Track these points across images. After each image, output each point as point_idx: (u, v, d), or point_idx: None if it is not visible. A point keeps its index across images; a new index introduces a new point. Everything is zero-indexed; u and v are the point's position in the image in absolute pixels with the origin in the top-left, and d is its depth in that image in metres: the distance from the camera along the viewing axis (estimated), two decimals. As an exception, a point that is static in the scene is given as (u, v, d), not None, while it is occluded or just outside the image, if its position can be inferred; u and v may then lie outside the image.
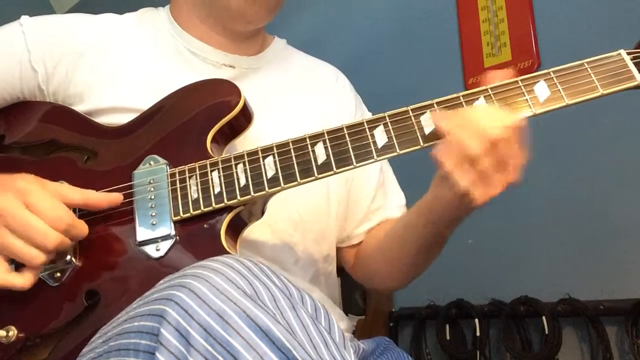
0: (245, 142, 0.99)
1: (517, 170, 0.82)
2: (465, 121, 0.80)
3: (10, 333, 0.84)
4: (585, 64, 0.85)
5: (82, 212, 0.90)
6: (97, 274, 0.87)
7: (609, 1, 1.83)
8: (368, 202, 1.18)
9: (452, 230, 0.97)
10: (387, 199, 1.21)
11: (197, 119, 0.95)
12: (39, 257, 0.81)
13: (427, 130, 0.84)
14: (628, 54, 0.85)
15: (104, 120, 1.00)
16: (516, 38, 2.01)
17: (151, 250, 0.87)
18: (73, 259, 0.87)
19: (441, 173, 0.84)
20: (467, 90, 0.86)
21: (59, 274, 0.87)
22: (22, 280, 0.82)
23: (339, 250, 1.22)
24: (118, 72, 1.03)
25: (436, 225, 0.95)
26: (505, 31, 2.04)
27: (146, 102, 0.98)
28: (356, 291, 2.25)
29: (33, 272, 0.83)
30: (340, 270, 1.23)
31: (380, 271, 1.15)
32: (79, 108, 1.02)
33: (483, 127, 0.79)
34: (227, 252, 0.83)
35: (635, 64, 0.84)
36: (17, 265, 0.84)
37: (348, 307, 2.26)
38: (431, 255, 1.05)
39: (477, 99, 0.85)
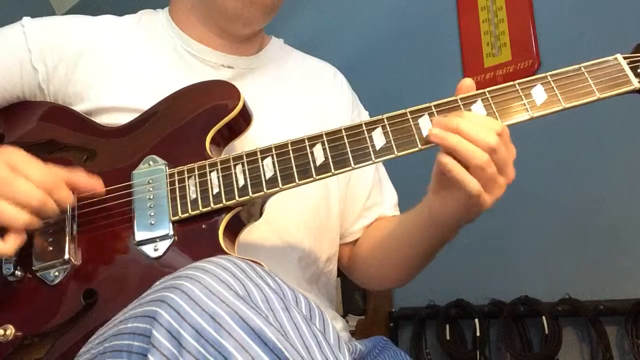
0: (244, 142, 0.99)
1: (512, 169, 0.85)
2: (464, 134, 0.82)
3: (8, 332, 0.84)
4: (582, 68, 0.86)
5: (81, 212, 0.91)
6: (95, 273, 0.87)
7: (609, 2, 1.83)
8: (364, 199, 1.19)
9: (456, 233, 0.98)
10: (383, 197, 1.22)
11: (196, 120, 0.95)
12: (21, 217, 0.81)
13: (424, 133, 0.85)
14: (625, 58, 0.86)
15: (103, 120, 1.00)
16: (516, 38, 2.01)
17: (149, 250, 0.87)
18: (71, 258, 0.87)
19: (444, 181, 0.88)
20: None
21: (57, 273, 0.87)
22: (4, 246, 0.81)
23: None
24: (117, 72, 1.04)
25: (443, 228, 0.96)
26: (505, 31, 2.05)
27: (145, 103, 0.99)
28: (356, 291, 2.25)
29: (15, 237, 0.82)
30: (340, 271, 1.23)
31: (378, 271, 1.16)
32: (79, 108, 1.02)
33: (482, 137, 0.82)
34: (225, 253, 0.83)
35: (632, 69, 0.85)
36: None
37: (348, 307, 2.26)
38: (431, 257, 1.06)
39: (475, 102, 0.86)
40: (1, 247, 0.82)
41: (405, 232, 1.07)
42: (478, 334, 1.92)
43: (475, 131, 0.82)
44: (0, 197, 0.81)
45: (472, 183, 0.83)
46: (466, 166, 0.83)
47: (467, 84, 0.88)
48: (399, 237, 1.09)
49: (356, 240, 1.20)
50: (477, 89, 0.88)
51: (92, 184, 0.89)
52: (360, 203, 1.19)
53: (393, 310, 2.22)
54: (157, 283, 0.69)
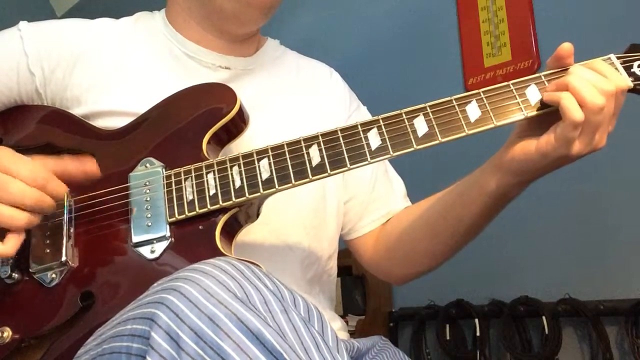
0: (241, 143, 0.99)
1: (605, 137, 0.84)
2: (590, 74, 0.81)
3: (5, 334, 0.84)
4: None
5: (78, 214, 0.91)
6: (93, 275, 0.88)
7: (609, 2, 1.83)
8: (368, 192, 1.18)
9: (523, 187, 0.94)
10: (392, 186, 1.21)
11: (193, 123, 0.95)
12: (20, 217, 0.82)
13: (420, 133, 0.85)
14: (618, 58, 0.86)
15: (100, 123, 1.01)
16: (516, 38, 2.01)
17: (146, 252, 0.87)
18: (68, 260, 0.87)
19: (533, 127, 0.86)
20: (467, 90, 0.87)
21: (54, 275, 0.87)
22: (3, 247, 0.82)
23: (348, 243, 1.22)
24: (114, 75, 1.04)
25: (516, 176, 0.91)
26: (505, 31, 2.05)
27: (142, 106, 0.99)
28: (356, 291, 2.26)
29: (16, 237, 0.83)
30: (340, 270, 1.23)
31: (416, 253, 1.12)
32: (76, 111, 1.02)
33: (607, 83, 0.81)
34: (222, 254, 0.83)
35: (625, 68, 0.85)
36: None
37: (348, 307, 2.26)
38: (488, 219, 1.02)
39: (470, 102, 0.86)
40: (2, 249, 0.82)
41: (455, 199, 1.02)
42: (478, 334, 1.92)
43: (599, 77, 0.81)
44: None
45: (575, 113, 0.79)
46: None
47: (566, 48, 0.86)
48: (441, 209, 1.05)
49: (372, 234, 1.19)
50: (476, 89, 0.88)
51: (83, 167, 0.90)
52: (366, 195, 1.18)
53: (393, 310, 2.22)
54: (155, 285, 0.69)
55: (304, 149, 0.88)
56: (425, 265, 1.13)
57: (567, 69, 0.86)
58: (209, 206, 0.87)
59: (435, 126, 0.85)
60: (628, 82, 0.83)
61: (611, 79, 0.82)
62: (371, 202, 1.19)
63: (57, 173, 0.88)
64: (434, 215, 1.07)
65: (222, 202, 0.87)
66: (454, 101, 0.86)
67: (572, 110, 0.79)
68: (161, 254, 0.86)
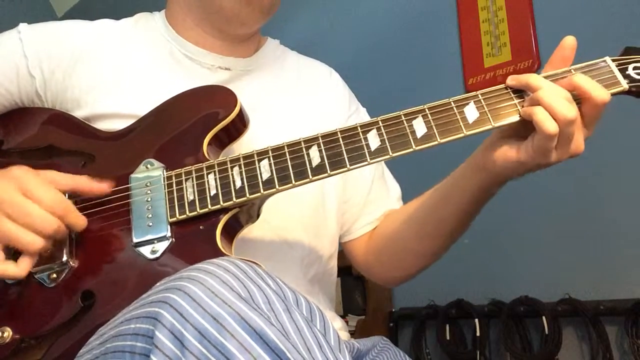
0: (242, 144, 1.00)
1: (582, 143, 0.86)
2: (560, 89, 0.83)
3: (5, 334, 0.85)
4: (572, 70, 0.87)
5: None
6: (93, 275, 0.88)
7: (609, 2, 1.83)
8: (364, 194, 1.19)
9: (503, 184, 0.94)
10: (388, 189, 1.22)
11: (194, 125, 0.96)
12: (37, 243, 0.83)
13: (418, 134, 0.85)
14: (613, 60, 0.87)
15: (101, 125, 1.01)
16: (516, 38, 2.02)
17: (147, 252, 0.87)
18: (69, 260, 0.88)
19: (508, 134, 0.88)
20: (467, 90, 0.87)
21: (55, 275, 0.87)
22: (16, 270, 0.83)
23: (343, 246, 1.22)
24: (114, 77, 1.04)
25: (497, 176, 0.92)
26: (505, 31, 2.05)
27: (143, 108, 0.99)
28: (356, 291, 2.26)
29: (29, 260, 0.84)
30: (340, 271, 1.23)
31: (405, 253, 1.12)
32: (77, 113, 1.02)
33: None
34: (223, 254, 0.84)
35: (620, 70, 0.86)
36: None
37: (348, 307, 2.26)
38: (472, 217, 1.02)
39: (468, 104, 0.86)
40: (16, 271, 0.84)
41: (442, 196, 1.03)
42: (478, 334, 1.92)
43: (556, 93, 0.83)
44: (15, 222, 0.82)
45: (551, 123, 0.81)
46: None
47: (569, 43, 0.88)
48: (430, 207, 1.06)
49: (365, 236, 1.19)
50: (476, 90, 0.88)
51: (98, 187, 0.90)
52: (362, 199, 1.19)
53: (393, 310, 2.23)
54: (158, 284, 0.70)
55: (304, 149, 0.88)
56: (416, 265, 1.14)
57: (566, 71, 0.86)
58: (209, 206, 0.88)
59: (433, 127, 0.85)
60: (606, 94, 0.83)
61: (589, 89, 0.83)
62: (367, 204, 1.19)
63: (69, 189, 0.89)
64: (420, 216, 1.08)
65: (223, 202, 0.87)
66: (452, 103, 0.87)
67: (546, 123, 0.81)
68: (162, 254, 0.86)
